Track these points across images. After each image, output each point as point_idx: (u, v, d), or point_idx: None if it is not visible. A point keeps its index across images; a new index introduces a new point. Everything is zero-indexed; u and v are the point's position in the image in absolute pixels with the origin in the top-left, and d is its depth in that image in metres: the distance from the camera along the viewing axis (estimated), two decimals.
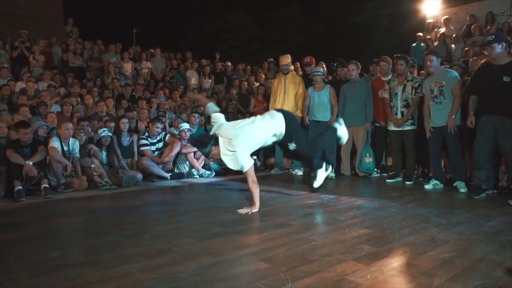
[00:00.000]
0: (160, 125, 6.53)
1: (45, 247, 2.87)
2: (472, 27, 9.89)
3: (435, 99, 5.12)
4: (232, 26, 24.87)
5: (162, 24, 27.47)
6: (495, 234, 3.13)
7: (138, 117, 7.10)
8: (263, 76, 10.18)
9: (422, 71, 6.88)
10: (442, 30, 10.71)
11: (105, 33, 12.92)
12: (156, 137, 6.50)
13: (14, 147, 5.01)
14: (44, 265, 2.50)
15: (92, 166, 5.56)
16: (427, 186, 5.23)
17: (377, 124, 6.21)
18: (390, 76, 6.13)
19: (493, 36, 4.54)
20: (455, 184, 5.12)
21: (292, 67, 7.10)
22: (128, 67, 10.03)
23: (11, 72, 8.84)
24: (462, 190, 4.97)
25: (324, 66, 6.97)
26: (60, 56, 10.12)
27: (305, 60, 7.11)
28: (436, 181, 5.24)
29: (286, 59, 6.77)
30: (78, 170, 5.46)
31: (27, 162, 4.87)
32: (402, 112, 5.64)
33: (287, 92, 6.56)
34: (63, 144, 5.42)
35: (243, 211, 3.88)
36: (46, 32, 11.09)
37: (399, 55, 5.91)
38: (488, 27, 9.86)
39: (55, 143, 5.31)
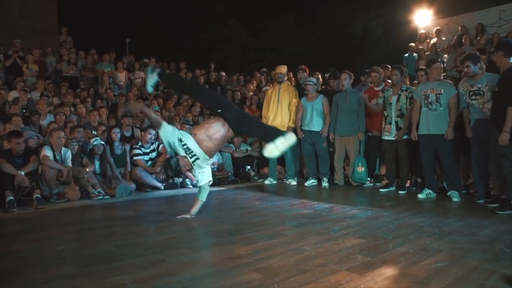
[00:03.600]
0: (152, 131, 6.51)
1: (37, 259, 2.84)
2: (463, 37, 10.04)
3: (430, 106, 5.16)
4: (227, 36, 25.00)
5: (157, 34, 27.57)
6: (488, 243, 3.15)
7: (134, 124, 7.13)
8: (252, 86, 10.25)
9: (415, 81, 6.97)
10: (434, 40, 10.86)
11: (98, 42, 12.92)
12: (150, 147, 6.48)
13: (6, 156, 4.96)
14: (36, 277, 2.47)
15: (85, 176, 5.53)
16: (420, 195, 5.26)
17: (370, 134, 6.24)
18: (382, 86, 6.18)
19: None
20: (448, 193, 5.16)
21: (286, 78, 7.13)
22: (122, 76, 10.03)
23: (5, 82, 8.80)
24: (455, 200, 5.00)
25: (320, 76, 7.01)
26: (54, 65, 10.11)
27: (300, 67, 7.20)
28: (429, 190, 5.27)
29: (282, 69, 6.83)
30: (71, 179, 5.43)
31: (19, 172, 4.82)
32: (396, 122, 5.68)
33: (281, 101, 6.59)
34: (55, 153, 5.39)
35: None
36: (40, 41, 11.09)
37: (388, 65, 5.97)
38: (479, 38, 10.03)
39: (47, 151, 5.28)
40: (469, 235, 3.39)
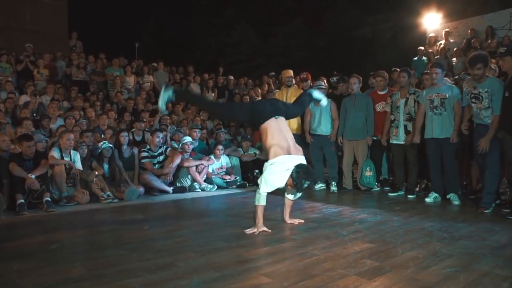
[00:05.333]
0: (160, 135, 6.55)
1: (47, 261, 2.86)
2: (473, 40, 9.97)
3: (435, 110, 5.15)
4: (235, 40, 25.06)
5: (166, 38, 27.73)
6: (499, 249, 3.11)
7: (144, 128, 7.20)
8: (260, 90, 10.30)
9: (422, 85, 6.91)
10: (442, 42, 10.82)
11: (108, 47, 13.03)
12: (158, 150, 6.51)
13: (17, 160, 5.02)
14: (46, 280, 2.49)
15: (94, 179, 5.56)
16: (427, 199, 5.23)
17: (375, 138, 6.18)
18: (387, 90, 6.16)
19: (505, 48, 4.57)
20: (448, 196, 5.14)
21: (294, 81, 7.12)
22: (131, 80, 10.10)
23: (16, 86, 8.91)
24: (456, 203, 5.02)
25: (325, 81, 7.00)
26: (64, 70, 10.21)
27: (302, 76, 7.13)
28: (436, 194, 5.24)
29: (291, 72, 6.85)
30: (78, 182, 5.47)
31: (29, 175, 4.87)
32: (405, 126, 5.63)
33: None
34: (63, 155, 5.43)
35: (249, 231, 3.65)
36: (51, 46, 11.21)
37: (397, 68, 5.94)
38: (489, 41, 9.95)
39: (54, 153, 5.33)
40: (480, 240, 3.35)
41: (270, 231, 3.64)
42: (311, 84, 6.98)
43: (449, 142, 5.04)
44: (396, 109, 5.71)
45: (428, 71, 6.50)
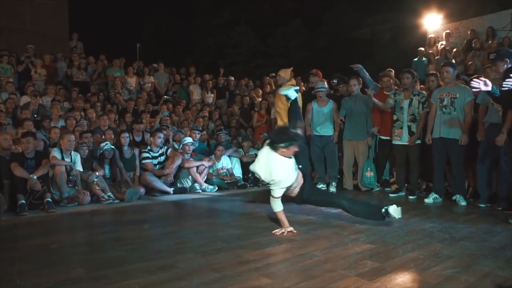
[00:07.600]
0: (161, 135, 6.54)
1: (47, 262, 2.86)
2: (473, 41, 9.97)
3: (444, 109, 5.13)
4: (235, 41, 25.08)
5: (165, 39, 27.78)
6: (500, 249, 3.11)
7: (144, 129, 7.20)
8: (261, 91, 10.31)
9: (422, 85, 6.92)
10: (443, 43, 10.81)
11: (109, 47, 13.06)
12: (158, 151, 6.51)
13: (19, 159, 5.01)
14: (47, 280, 2.49)
15: (95, 180, 5.56)
16: (427, 200, 5.23)
17: (382, 137, 6.13)
18: (393, 91, 6.15)
19: (495, 54, 4.60)
20: (454, 197, 5.13)
21: (287, 80, 6.86)
22: (132, 81, 10.09)
23: (17, 87, 8.91)
24: (463, 204, 5.01)
25: (325, 83, 7.01)
26: (65, 71, 10.21)
27: (312, 71, 7.18)
28: (436, 195, 5.23)
29: (281, 72, 6.48)
30: (78, 183, 5.47)
31: (31, 176, 4.86)
32: (409, 127, 5.62)
33: (277, 104, 6.49)
34: (64, 156, 5.43)
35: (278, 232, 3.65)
36: (52, 47, 11.22)
37: (390, 70, 5.92)
38: (490, 42, 9.94)
39: (55, 153, 5.33)
40: (480, 241, 3.35)
41: (296, 232, 3.63)
42: (313, 83, 6.95)
43: (457, 143, 5.02)
44: (400, 110, 5.69)
45: (430, 72, 6.50)
